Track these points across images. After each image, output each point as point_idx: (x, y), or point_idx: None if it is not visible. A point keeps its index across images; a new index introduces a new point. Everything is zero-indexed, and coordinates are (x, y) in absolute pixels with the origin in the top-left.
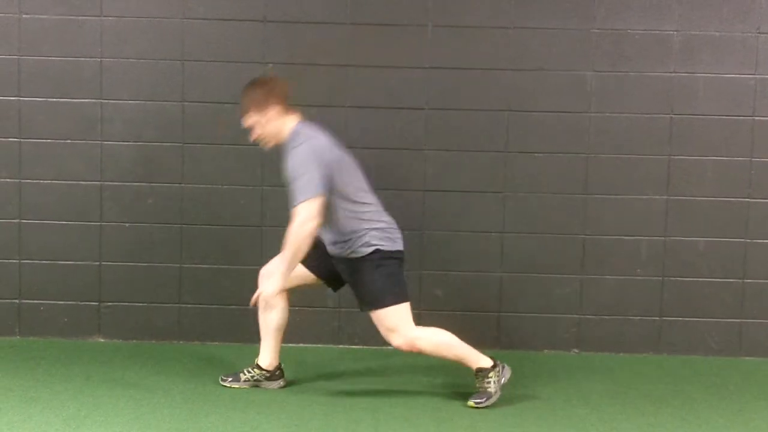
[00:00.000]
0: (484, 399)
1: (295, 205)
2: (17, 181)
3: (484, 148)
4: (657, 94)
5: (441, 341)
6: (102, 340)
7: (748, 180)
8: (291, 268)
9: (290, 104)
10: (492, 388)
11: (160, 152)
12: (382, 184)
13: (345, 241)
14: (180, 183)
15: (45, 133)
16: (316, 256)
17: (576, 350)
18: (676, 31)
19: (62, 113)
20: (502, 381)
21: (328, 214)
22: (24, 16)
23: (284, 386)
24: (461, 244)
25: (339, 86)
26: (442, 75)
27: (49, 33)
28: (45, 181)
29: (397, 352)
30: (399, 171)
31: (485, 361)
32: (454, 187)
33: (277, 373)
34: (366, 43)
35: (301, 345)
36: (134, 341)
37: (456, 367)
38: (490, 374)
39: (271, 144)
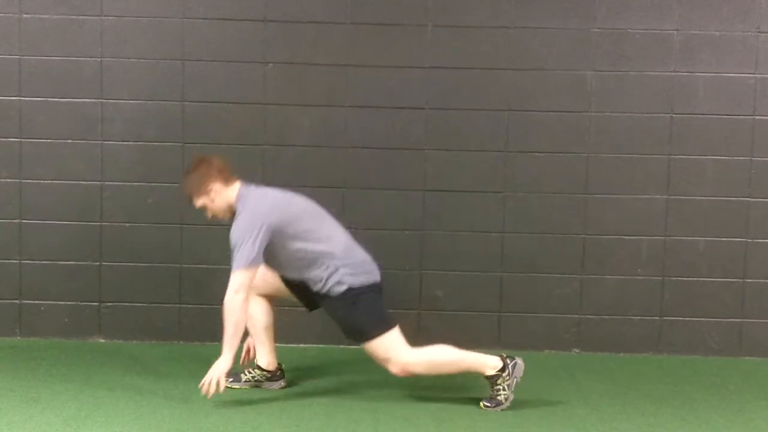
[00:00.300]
0: (494, 405)
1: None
2: (18, 181)
3: (485, 148)
4: (657, 93)
5: (436, 360)
6: (102, 341)
7: (749, 179)
8: (235, 342)
9: (229, 174)
10: (502, 396)
11: (161, 152)
12: (382, 184)
13: (317, 282)
14: (180, 183)
15: (45, 132)
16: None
17: (576, 350)
18: (676, 30)
19: (63, 113)
20: (515, 382)
21: (294, 262)
22: (24, 15)
23: (285, 387)
24: (461, 244)
25: (339, 86)
26: (442, 75)
27: (50, 33)
28: (45, 181)
29: None
30: (399, 171)
31: (492, 366)
32: (454, 187)
33: (278, 373)
34: (366, 42)
35: (302, 345)
36: (135, 341)
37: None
38: (499, 381)
39: (227, 216)
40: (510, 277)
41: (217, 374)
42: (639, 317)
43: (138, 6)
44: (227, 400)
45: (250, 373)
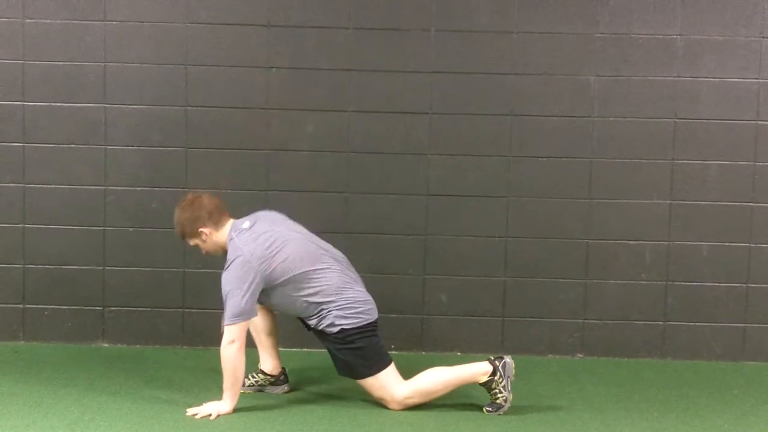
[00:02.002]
0: (495, 409)
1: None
2: (21, 185)
3: (488, 153)
4: (660, 98)
5: (429, 388)
6: (106, 345)
7: (752, 184)
8: (236, 390)
9: (220, 216)
10: (501, 398)
11: (164, 157)
12: (385, 188)
13: (311, 320)
14: (184, 187)
15: (49, 137)
16: None
17: (580, 355)
18: (679, 35)
19: (66, 118)
20: (510, 382)
21: (287, 306)
22: (28, 20)
23: (288, 391)
24: (465, 249)
25: (342, 91)
26: (446, 79)
27: (53, 38)
28: (49, 186)
29: (401, 356)
30: (402, 175)
31: (483, 373)
32: (457, 192)
33: (281, 377)
34: (369, 47)
35: (306, 350)
36: (138, 346)
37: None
38: (493, 386)
39: (220, 253)
40: (513, 281)
41: (215, 412)
42: (643, 322)
43: (141, 11)
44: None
45: (253, 377)
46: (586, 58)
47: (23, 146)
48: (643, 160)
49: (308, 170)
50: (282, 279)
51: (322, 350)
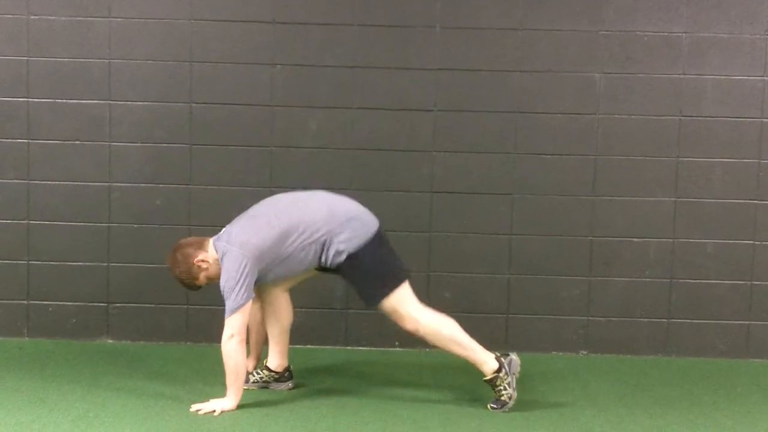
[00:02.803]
0: (499, 406)
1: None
2: (25, 182)
3: (493, 150)
4: (665, 95)
5: (443, 332)
6: (110, 341)
7: (757, 182)
8: (239, 385)
9: (200, 242)
10: (505, 395)
11: (168, 153)
12: (389, 185)
13: (318, 261)
14: (188, 184)
15: (53, 134)
16: None
17: (584, 352)
18: (684, 32)
19: (70, 114)
20: (514, 379)
21: (293, 265)
22: (32, 17)
23: (293, 388)
24: (469, 246)
25: (347, 88)
26: (451, 76)
27: (58, 34)
28: (53, 182)
29: (405, 353)
30: (407, 172)
31: (489, 367)
32: (462, 189)
33: (286, 374)
34: (374, 44)
35: (309, 346)
36: (142, 342)
37: (464, 368)
38: (498, 382)
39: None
40: (518, 278)
41: (219, 408)
42: (647, 319)
43: (146, 8)
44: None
45: (258, 374)
46: (591, 55)
47: (28, 143)
48: (647, 158)
49: (312, 167)
50: (269, 246)
51: (326, 347)
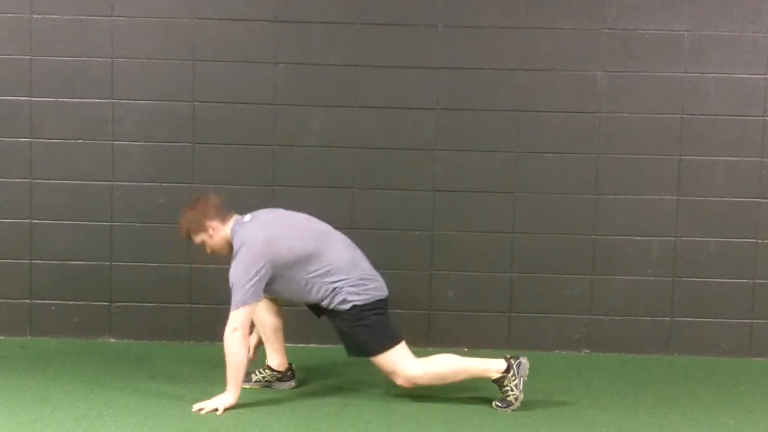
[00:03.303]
0: (505, 406)
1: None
2: (28, 181)
3: (495, 149)
4: (667, 94)
5: (441, 371)
6: (112, 341)
7: (759, 180)
8: (239, 379)
9: (225, 212)
10: (511, 396)
11: (171, 152)
12: (392, 184)
13: (323, 300)
14: (190, 183)
15: (56, 133)
16: None
17: (586, 351)
18: (686, 31)
19: (73, 113)
20: (522, 382)
21: (298, 290)
22: (35, 16)
23: (295, 387)
24: (471, 245)
25: (349, 86)
26: (453, 75)
27: (60, 33)
28: (56, 181)
29: None
30: (409, 171)
31: (496, 369)
32: (464, 188)
33: (288, 373)
34: (376, 43)
35: (312, 345)
36: (145, 341)
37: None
38: (505, 383)
39: (226, 251)
40: (520, 277)
41: (221, 406)
42: (649, 318)
43: (149, 6)
44: (238, 400)
45: (260, 373)
46: (593, 53)
47: (30, 142)
48: (650, 156)
49: (315, 166)
50: (291, 260)
51: (328, 346)
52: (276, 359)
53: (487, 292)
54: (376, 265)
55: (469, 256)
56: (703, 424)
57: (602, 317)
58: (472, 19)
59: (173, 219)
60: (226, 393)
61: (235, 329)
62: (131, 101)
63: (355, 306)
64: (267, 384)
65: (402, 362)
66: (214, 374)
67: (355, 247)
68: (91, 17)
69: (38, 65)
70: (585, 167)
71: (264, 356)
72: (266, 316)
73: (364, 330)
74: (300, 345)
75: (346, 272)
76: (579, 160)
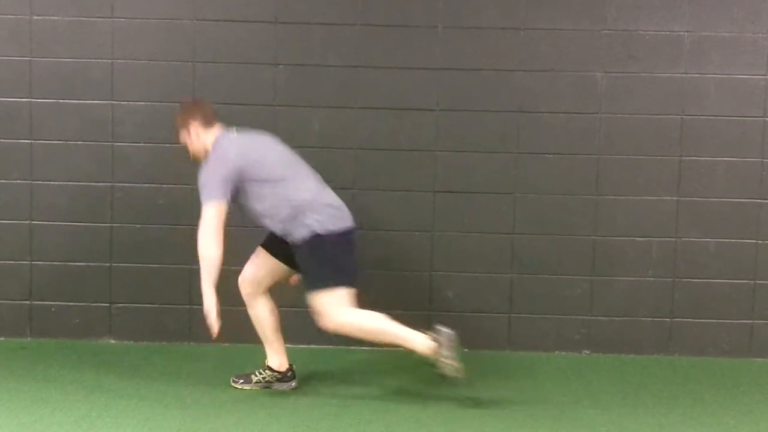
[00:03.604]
0: (447, 375)
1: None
2: (28, 182)
3: (495, 150)
4: (668, 95)
5: (367, 327)
6: (113, 342)
7: (759, 181)
8: (212, 276)
9: (212, 120)
10: (449, 368)
11: (171, 153)
12: (392, 185)
13: (285, 226)
14: (190, 184)
15: (56, 134)
16: (278, 242)
17: (586, 351)
18: (686, 31)
19: (73, 114)
20: (450, 351)
21: (265, 208)
22: (35, 17)
23: (295, 387)
24: (472, 245)
25: (349, 87)
26: (453, 76)
27: (61, 34)
28: (56, 183)
29: (407, 354)
30: (409, 172)
31: (424, 345)
32: (464, 188)
33: (288, 374)
34: (376, 44)
35: (312, 347)
36: (145, 342)
37: (466, 366)
38: (438, 358)
39: (202, 157)
40: (520, 278)
41: (208, 315)
42: (649, 318)
43: (149, 8)
44: (238, 402)
45: (260, 374)
46: (593, 54)
47: (30, 143)
48: (650, 157)
49: (315, 166)
50: (261, 175)
51: (329, 347)
52: (276, 360)
53: (487, 293)
54: (376, 265)
55: (469, 257)
56: (703, 424)
57: (602, 318)
58: (472, 20)
59: (173, 220)
60: (204, 298)
61: (207, 227)
62: (131, 102)
63: (317, 234)
64: (267, 385)
65: (334, 308)
66: (214, 375)
67: (326, 185)
68: (91, 18)
69: (38, 66)
70: (585, 168)
71: (264, 357)
72: (265, 316)
73: (316, 263)
74: (300, 346)
75: (311, 200)
76: (579, 160)
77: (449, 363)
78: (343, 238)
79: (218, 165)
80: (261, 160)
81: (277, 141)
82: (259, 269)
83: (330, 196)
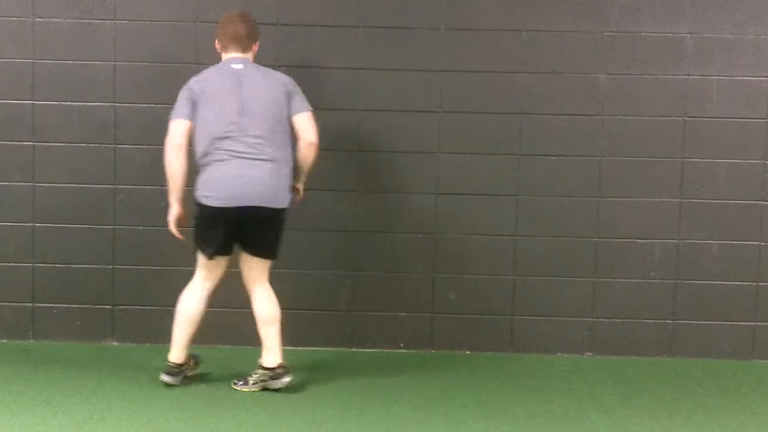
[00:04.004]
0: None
1: None
2: (31, 184)
3: (497, 151)
4: (670, 96)
5: (176, 314)
6: (115, 344)
7: (762, 183)
8: (172, 189)
9: (228, 43)
10: (165, 380)
11: None
12: (394, 187)
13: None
14: (192, 187)
15: (58, 136)
16: (230, 237)
17: (589, 353)
18: (689, 33)
19: (75, 117)
20: (185, 376)
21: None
22: (38, 19)
23: (291, 382)
24: (474, 247)
25: (352, 89)
26: (455, 78)
27: (63, 36)
28: (58, 185)
29: (409, 355)
30: (412, 174)
31: (176, 357)
32: (467, 190)
33: (278, 370)
34: (379, 45)
35: (314, 348)
36: (147, 344)
37: (469, 369)
38: (177, 369)
39: None
40: (522, 280)
41: (170, 221)
42: (652, 320)
43: (151, 10)
44: (239, 403)
45: (255, 374)
46: (595, 56)
47: (33, 145)
48: (652, 159)
49: (317, 168)
50: (200, 108)
51: (330, 349)
52: (264, 357)
53: (489, 295)
54: (379, 267)
55: (471, 259)
56: (705, 426)
57: (605, 320)
58: (475, 22)
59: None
60: (170, 210)
61: (171, 141)
62: (134, 105)
63: (198, 203)
64: (264, 385)
65: (198, 271)
66: (216, 377)
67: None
68: (93, 21)
69: (41, 68)
70: (588, 170)
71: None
72: (260, 310)
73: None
74: (300, 348)
75: (213, 163)
76: (582, 162)
77: (170, 380)
78: (206, 210)
79: (184, 89)
80: (202, 94)
81: (239, 80)
82: (243, 266)
83: (219, 170)
